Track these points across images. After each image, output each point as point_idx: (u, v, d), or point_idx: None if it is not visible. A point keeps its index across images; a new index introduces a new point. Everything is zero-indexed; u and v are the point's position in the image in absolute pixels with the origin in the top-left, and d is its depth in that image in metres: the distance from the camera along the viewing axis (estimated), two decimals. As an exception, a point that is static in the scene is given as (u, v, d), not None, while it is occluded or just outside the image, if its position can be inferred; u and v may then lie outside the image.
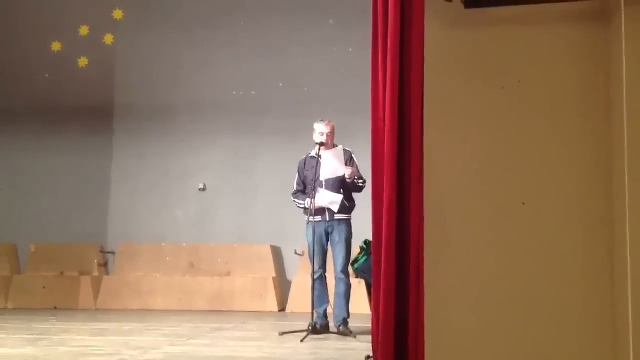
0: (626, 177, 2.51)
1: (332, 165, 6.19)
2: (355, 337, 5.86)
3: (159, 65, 10.12)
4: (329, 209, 6.22)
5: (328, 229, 6.28)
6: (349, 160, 6.32)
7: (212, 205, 9.85)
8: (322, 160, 6.20)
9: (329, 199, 6.19)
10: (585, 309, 2.69)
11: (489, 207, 2.80)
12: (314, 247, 6.14)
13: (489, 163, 2.81)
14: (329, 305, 6.25)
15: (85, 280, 9.40)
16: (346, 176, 6.17)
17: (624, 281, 2.51)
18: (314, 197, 6.13)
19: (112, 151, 10.18)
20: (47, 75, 10.34)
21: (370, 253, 7.31)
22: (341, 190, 6.23)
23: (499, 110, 2.82)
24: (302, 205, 6.37)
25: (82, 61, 10.32)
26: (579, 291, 2.70)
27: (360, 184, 6.25)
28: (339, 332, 6.07)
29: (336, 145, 6.39)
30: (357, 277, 8.36)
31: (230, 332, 6.52)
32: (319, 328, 6.05)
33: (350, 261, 6.95)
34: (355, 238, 6.53)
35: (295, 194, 6.48)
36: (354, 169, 6.24)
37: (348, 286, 6.31)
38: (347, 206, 6.28)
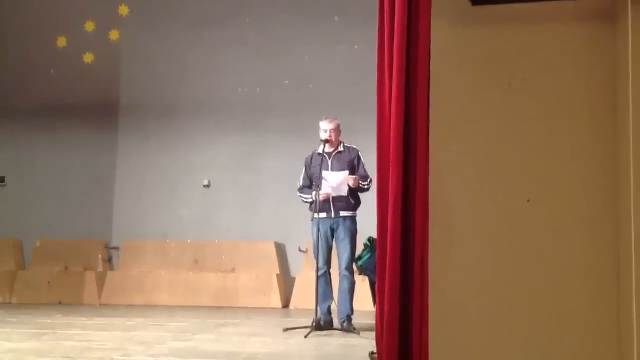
0: (632, 175, 2.52)
1: (336, 185, 6.18)
2: (359, 333, 5.87)
3: (165, 62, 10.13)
4: (334, 205, 6.22)
5: (333, 226, 6.29)
6: (356, 159, 6.32)
7: (217, 202, 9.86)
8: (327, 177, 6.19)
9: (335, 182, 6.16)
10: (591, 308, 2.69)
11: (494, 205, 2.81)
12: (318, 243, 6.15)
13: (494, 160, 2.82)
14: (333, 302, 6.26)
15: (90, 276, 9.43)
16: (350, 185, 6.17)
17: (629, 279, 2.51)
18: (320, 190, 6.12)
19: (117, 147, 10.20)
20: (52, 71, 10.37)
21: (374, 250, 7.31)
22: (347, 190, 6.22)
23: (505, 108, 2.83)
24: (309, 200, 6.36)
25: (88, 57, 10.34)
26: (584, 290, 2.70)
27: (365, 187, 6.24)
28: (342, 329, 6.08)
29: (342, 143, 6.39)
30: (360, 274, 8.36)
31: (235, 328, 6.54)
32: (322, 324, 6.06)
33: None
34: (360, 235, 6.54)
35: (302, 189, 6.47)
36: (357, 178, 6.22)
37: (352, 283, 6.32)
38: (353, 203, 6.29)
